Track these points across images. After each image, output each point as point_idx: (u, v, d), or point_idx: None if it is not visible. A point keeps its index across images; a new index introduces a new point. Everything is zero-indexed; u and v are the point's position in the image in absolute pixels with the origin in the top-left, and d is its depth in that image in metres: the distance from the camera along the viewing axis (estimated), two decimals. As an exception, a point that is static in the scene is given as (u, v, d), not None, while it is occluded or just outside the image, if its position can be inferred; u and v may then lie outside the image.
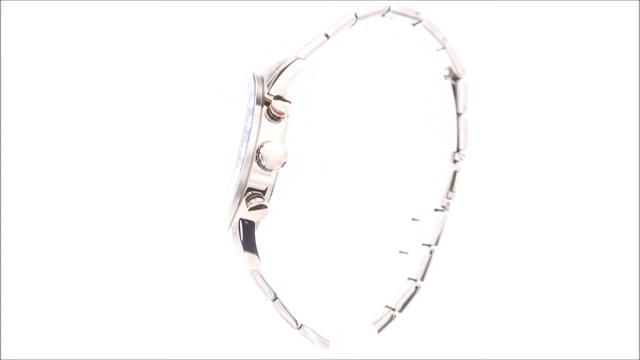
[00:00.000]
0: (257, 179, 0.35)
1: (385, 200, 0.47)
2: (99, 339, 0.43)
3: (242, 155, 0.35)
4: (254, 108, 0.35)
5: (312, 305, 0.41)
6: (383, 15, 0.40)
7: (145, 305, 0.44)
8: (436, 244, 0.46)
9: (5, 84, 0.44)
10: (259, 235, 0.37)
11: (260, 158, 0.34)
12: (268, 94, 0.35)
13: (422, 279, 0.46)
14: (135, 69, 0.44)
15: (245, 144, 0.35)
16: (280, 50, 0.37)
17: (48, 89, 0.44)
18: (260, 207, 0.35)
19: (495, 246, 0.50)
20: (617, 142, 0.52)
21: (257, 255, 0.36)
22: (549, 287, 0.50)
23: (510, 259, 0.50)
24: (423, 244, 0.47)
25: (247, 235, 0.36)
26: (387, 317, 0.45)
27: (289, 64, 0.36)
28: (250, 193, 0.35)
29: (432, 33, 0.42)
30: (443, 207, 0.47)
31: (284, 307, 0.39)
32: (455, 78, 0.45)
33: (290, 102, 0.35)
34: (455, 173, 0.47)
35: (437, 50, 0.43)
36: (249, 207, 0.35)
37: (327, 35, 0.37)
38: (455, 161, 0.46)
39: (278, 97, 0.35)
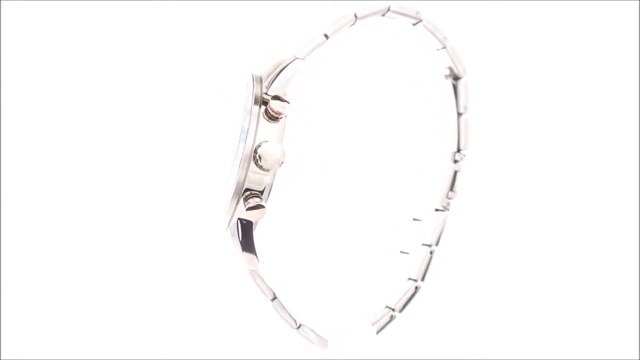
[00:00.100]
0: (255, 179, 0.35)
1: (386, 200, 0.47)
2: (98, 339, 0.43)
3: (239, 155, 0.35)
4: (251, 108, 0.35)
5: (311, 305, 0.41)
6: (383, 15, 0.40)
7: (144, 305, 0.44)
8: (436, 244, 0.46)
9: (5, 84, 0.44)
10: (259, 235, 0.37)
11: (257, 158, 0.34)
12: (266, 94, 0.35)
13: (423, 279, 0.46)
14: (135, 69, 0.44)
15: (242, 143, 0.35)
16: (279, 50, 0.37)
17: (48, 88, 0.44)
18: (257, 207, 0.35)
19: (496, 246, 0.50)
20: (618, 142, 0.52)
21: (256, 255, 0.36)
22: (550, 287, 0.50)
23: (510, 259, 0.50)
24: (423, 244, 0.46)
25: (246, 235, 0.36)
26: (387, 318, 0.45)
27: (288, 64, 0.36)
28: (248, 193, 0.35)
29: (432, 33, 0.42)
30: (443, 207, 0.47)
31: (283, 306, 0.39)
32: (456, 78, 0.45)
33: (288, 102, 0.35)
34: (455, 173, 0.46)
35: (438, 50, 0.43)
36: (247, 206, 0.35)
37: (326, 36, 0.37)
38: (455, 161, 0.46)
39: (276, 97, 0.35)
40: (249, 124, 0.35)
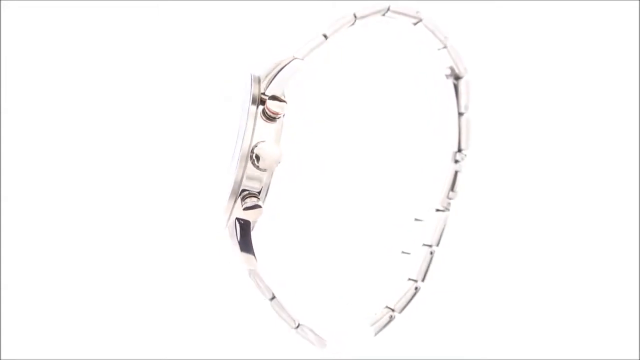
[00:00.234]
0: (252, 179, 0.35)
1: (386, 200, 0.47)
2: (97, 339, 0.43)
3: (236, 155, 0.35)
4: (249, 108, 0.35)
5: (310, 305, 0.41)
6: (383, 14, 0.39)
7: (143, 304, 0.44)
8: (437, 244, 0.46)
9: (5, 84, 0.44)
10: (259, 235, 0.37)
11: (254, 158, 0.35)
12: (263, 94, 0.35)
13: (423, 279, 0.46)
14: (135, 69, 0.45)
15: (240, 143, 0.35)
16: (279, 50, 0.37)
17: (48, 88, 0.44)
18: (255, 207, 0.35)
19: (496, 247, 0.50)
20: (620, 142, 0.52)
21: (254, 255, 0.36)
22: (550, 288, 0.49)
23: (511, 259, 0.50)
24: (424, 245, 0.46)
25: (243, 235, 0.36)
26: (387, 318, 0.44)
27: (286, 64, 0.36)
28: (246, 193, 0.35)
29: (432, 32, 0.42)
30: (444, 207, 0.47)
31: (282, 306, 0.39)
32: (457, 77, 0.45)
33: (285, 102, 0.35)
34: (456, 173, 0.46)
35: (439, 49, 0.43)
36: (244, 206, 0.35)
37: (325, 36, 0.37)
38: (456, 161, 0.46)
39: (273, 97, 0.35)
40: (246, 123, 0.35)
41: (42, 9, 0.44)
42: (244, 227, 0.36)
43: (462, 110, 0.45)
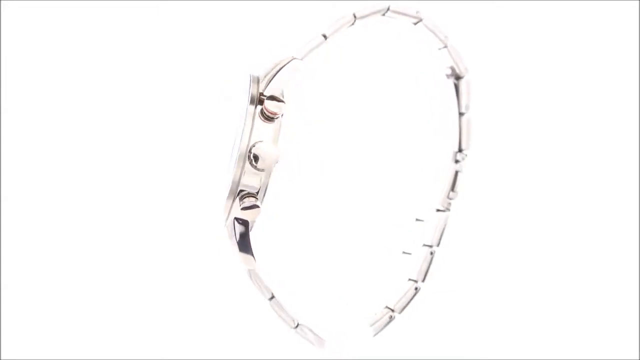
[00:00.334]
0: (250, 179, 0.35)
1: (386, 200, 0.47)
2: (96, 339, 0.43)
3: (234, 155, 0.35)
4: (247, 108, 0.35)
5: (310, 305, 0.41)
6: (383, 14, 0.39)
7: (142, 304, 0.44)
8: (437, 244, 0.46)
9: (5, 84, 0.44)
10: (258, 235, 0.37)
11: (252, 158, 0.35)
12: (262, 94, 0.35)
13: (423, 280, 0.46)
14: (135, 69, 0.45)
15: (238, 143, 0.35)
16: (278, 50, 0.37)
17: (48, 88, 0.44)
18: (252, 207, 0.35)
19: (497, 247, 0.50)
20: (621, 142, 0.52)
21: (252, 255, 0.36)
22: (550, 288, 0.49)
23: (511, 260, 0.50)
24: (424, 245, 0.46)
25: (242, 235, 0.36)
26: (386, 318, 0.44)
27: (285, 65, 0.36)
28: (244, 192, 0.35)
29: (433, 32, 0.42)
30: (444, 207, 0.46)
31: (281, 306, 0.39)
32: (457, 77, 0.45)
33: (283, 102, 0.35)
34: (456, 173, 0.46)
35: (439, 49, 0.43)
36: (241, 206, 0.35)
37: (324, 36, 0.37)
38: (457, 161, 0.46)
39: (272, 97, 0.35)
40: (245, 123, 0.35)
41: (42, 9, 0.44)
42: (242, 227, 0.36)
43: (463, 110, 0.45)
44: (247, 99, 0.35)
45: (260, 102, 0.35)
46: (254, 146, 0.34)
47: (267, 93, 0.35)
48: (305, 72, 0.37)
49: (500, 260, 0.50)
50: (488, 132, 0.48)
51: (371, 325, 0.44)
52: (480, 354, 0.46)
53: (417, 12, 0.40)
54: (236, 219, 0.36)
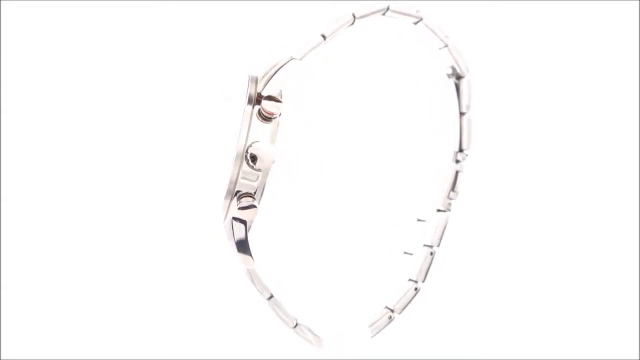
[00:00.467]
0: (247, 179, 0.35)
1: (386, 200, 0.47)
2: (95, 339, 0.43)
3: (232, 155, 0.35)
4: (245, 107, 0.35)
5: (309, 304, 0.41)
6: (383, 14, 0.39)
7: (141, 304, 0.44)
8: (438, 245, 0.46)
9: (5, 84, 0.44)
10: (258, 235, 0.37)
11: (249, 158, 0.35)
12: (260, 94, 0.36)
13: (423, 280, 0.46)
14: (135, 69, 0.45)
15: (235, 143, 0.35)
16: (277, 50, 0.37)
17: (47, 88, 0.45)
18: (250, 206, 0.35)
19: (497, 248, 0.50)
20: (620, 142, 0.51)
21: (251, 255, 0.36)
22: (550, 288, 0.49)
23: (511, 260, 0.50)
24: (424, 245, 0.46)
25: (240, 235, 0.36)
26: (386, 318, 0.44)
27: (283, 65, 0.36)
28: (241, 192, 0.35)
29: (433, 31, 0.42)
30: (445, 207, 0.46)
31: (280, 305, 0.39)
32: (458, 77, 0.45)
33: (281, 102, 0.35)
34: (457, 173, 0.46)
35: (440, 48, 0.43)
36: (239, 206, 0.35)
37: (324, 36, 0.37)
38: (457, 161, 0.46)
39: (269, 97, 0.35)
40: (242, 123, 0.35)
41: (42, 9, 0.44)
42: (241, 227, 0.36)
43: (464, 109, 0.45)
44: (244, 99, 0.35)
45: (258, 102, 0.35)
46: (251, 146, 0.35)
47: (265, 93, 0.35)
48: (304, 72, 0.37)
49: (500, 260, 0.50)
50: (489, 132, 0.48)
51: (370, 326, 0.44)
52: (480, 354, 0.46)
53: (417, 11, 0.40)
54: (234, 218, 0.36)
